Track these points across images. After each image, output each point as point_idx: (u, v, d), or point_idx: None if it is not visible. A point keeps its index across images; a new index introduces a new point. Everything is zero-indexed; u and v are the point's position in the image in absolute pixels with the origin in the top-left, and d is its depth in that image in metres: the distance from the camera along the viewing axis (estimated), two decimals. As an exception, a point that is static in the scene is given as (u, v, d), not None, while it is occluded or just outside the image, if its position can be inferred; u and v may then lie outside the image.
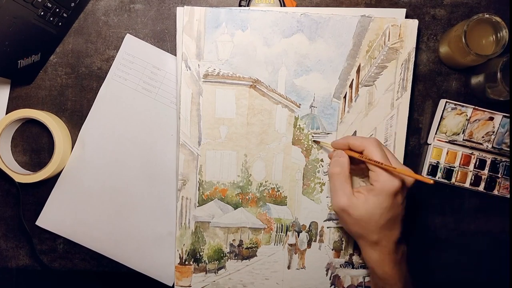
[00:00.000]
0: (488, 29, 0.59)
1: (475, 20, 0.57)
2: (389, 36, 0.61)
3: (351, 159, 0.55)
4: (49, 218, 0.66)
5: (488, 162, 0.64)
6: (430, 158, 0.64)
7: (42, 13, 0.56)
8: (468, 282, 0.67)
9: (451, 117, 0.63)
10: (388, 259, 0.52)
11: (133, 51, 0.64)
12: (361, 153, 0.53)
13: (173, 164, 0.64)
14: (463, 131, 0.63)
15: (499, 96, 0.59)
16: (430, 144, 0.64)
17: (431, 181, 0.47)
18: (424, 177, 0.51)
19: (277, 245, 0.64)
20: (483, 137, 0.63)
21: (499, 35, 0.58)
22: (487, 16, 0.57)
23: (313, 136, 0.63)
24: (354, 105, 0.63)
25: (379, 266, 0.53)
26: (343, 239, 0.64)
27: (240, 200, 0.63)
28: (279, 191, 0.63)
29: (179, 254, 0.63)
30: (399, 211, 0.51)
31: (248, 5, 0.63)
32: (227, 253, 0.64)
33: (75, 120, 0.66)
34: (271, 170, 0.63)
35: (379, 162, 0.50)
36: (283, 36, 0.61)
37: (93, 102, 0.65)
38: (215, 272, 0.64)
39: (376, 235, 0.51)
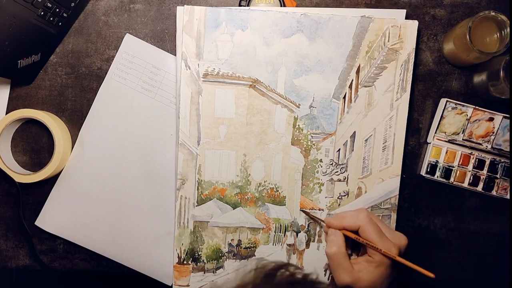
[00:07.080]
0: (492, 27, 0.59)
1: (481, 17, 0.57)
2: (389, 37, 0.61)
3: None
4: (48, 219, 0.66)
5: (487, 162, 0.63)
6: (429, 157, 0.64)
7: (42, 13, 0.56)
8: (468, 282, 0.67)
9: (451, 116, 0.63)
10: None
11: (133, 51, 0.64)
12: (356, 231, 0.55)
13: (172, 164, 0.64)
14: (463, 130, 0.63)
15: (502, 94, 0.59)
16: (430, 143, 0.64)
17: (432, 275, 0.50)
18: (423, 269, 0.52)
19: (275, 245, 0.64)
20: (482, 137, 0.63)
21: (503, 33, 0.58)
22: (493, 14, 0.57)
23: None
24: (354, 106, 0.63)
25: None
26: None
27: (239, 199, 0.63)
28: (278, 191, 0.63)
29: (178, 254, 0.63)
30: (396, 274, 0.54)
31: (248, 5, 0.63)
32: (226, 252, 0.64)
33: (75, 120, 0.66)
34: (270, 170, 0.63)
35: (378, 248, 0.52)
36: (283, 36, 0.61)
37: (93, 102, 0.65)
38: (213, 272, 0.64)
39: None
